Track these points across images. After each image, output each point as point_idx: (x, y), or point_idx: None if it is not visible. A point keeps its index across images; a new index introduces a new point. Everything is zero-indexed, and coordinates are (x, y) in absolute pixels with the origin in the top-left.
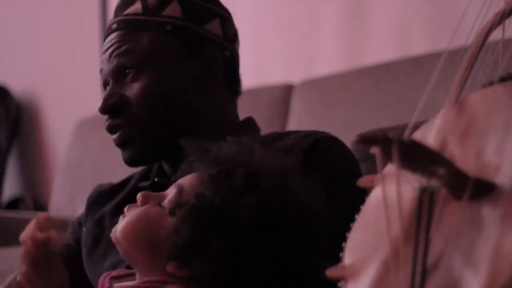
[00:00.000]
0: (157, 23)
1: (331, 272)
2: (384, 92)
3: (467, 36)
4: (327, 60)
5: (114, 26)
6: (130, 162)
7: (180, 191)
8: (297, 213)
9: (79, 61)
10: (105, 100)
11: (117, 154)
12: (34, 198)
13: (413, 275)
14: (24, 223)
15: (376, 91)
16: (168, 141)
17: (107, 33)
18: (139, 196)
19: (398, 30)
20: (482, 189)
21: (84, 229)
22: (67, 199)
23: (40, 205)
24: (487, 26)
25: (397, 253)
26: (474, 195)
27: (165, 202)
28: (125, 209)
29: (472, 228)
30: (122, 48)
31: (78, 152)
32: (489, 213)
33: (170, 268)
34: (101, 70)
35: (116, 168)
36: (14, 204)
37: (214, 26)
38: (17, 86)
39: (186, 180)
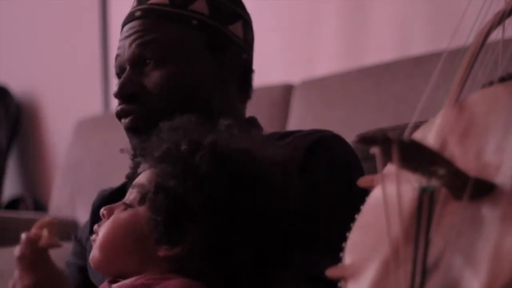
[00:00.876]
0: (183, 17)
1: (331, 272)
2: (384, 92)
3: (467, 36)
4: (327, 60)
5: (138, 13)
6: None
7: (141, 184)
8: (263, 189)
9: (79, 61)
10: (123, 86)
11: (117, 154)
12: (34, 198)
13: (413, 275)
14: (24, 223)
15: (376, 91)
16: None
17: (128, 19)
18: (102, 211)
19: (398, 30)
20: (482, 189)
21: (90, 237)
22: (67, 199)
23: (40, 205)
24: (487, 26)
25: (397, 253)
26: (474, 195)
27: (130, 200)
28: (95, 228)
29: (472, 228)
30: (145, 38)
31: (78, 152)
32: (489, 213)
33: (162, 252)
34: (117, 56)
35: (116, 168)
36: (14, 204)
37: (237, 28)
38: (17, 86)
39: (141, 177)
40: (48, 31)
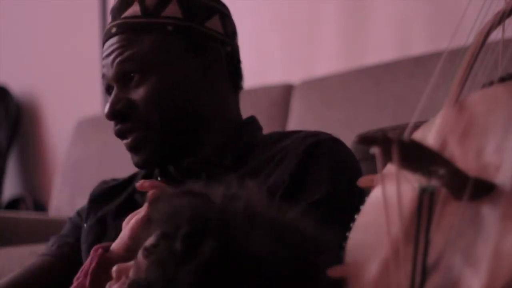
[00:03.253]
0: (157, 25)
1: (333, 272)
2: (384, 92)
3: (467, 36)
4: (327, 60)
5: (114, 30)
6: (143, 165)
7: (136, 267)
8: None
9: (79, 61)
10: (112, 106)
11: (117, 154)
12: (34, 198)
13: (413, 275)
14: (24, 223)
15: (376, 91)
16: (178, 142)
17: (106, 37)
18: (113, 271)
19: (398, 30)
20: (482, 189)
21: (85, 224)
22: (67, 199)
23: (40, 205)
24: (487, 26)
25: (397, 253)
26: (474, 195)
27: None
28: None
29: (472, 228)
30: (125, 54)
31: (78, 152)
32: (489, 213)
33: None
34: (103, 75)
35: (116, 168)
36: (14, 204)
37: (214, 23)
38: (17, 86)
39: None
40: (48, 31)
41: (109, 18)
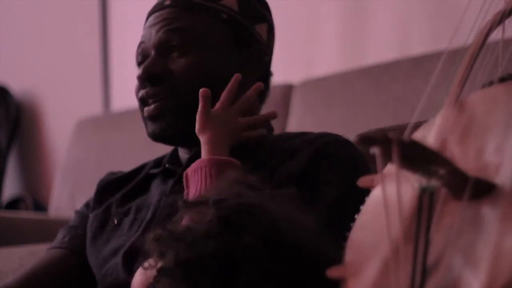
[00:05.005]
0: (213, 9)
1: (332, 272)
2: (384, 92)
3: (467, 36)
4: (327, 60)
5: (168, 2)
6: (159, 134)
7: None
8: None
9: (79, 61)
10: (148, 67)
11: (117, 154)
12: (34, 198)
13: (413, 275)
14: (24, 223)
15: (376, 91)
16: (194, 121)
17: (157, 8)
18: None
19: (398, 30)
20: (482, 189)
21: (90, 214)
22: (67, 199)
23: (40, 205)
24: (487, 26)
25: (397, 253)
26: (474, 195)
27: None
28: None
29: (472, 228)
30: (174, 25)
31: (78, 152)
32: (489, 213)
33: None
34: (141, 43)
35: (115, 168)
36: (14, 204)
37: (262, 29)
38: (17, 86)
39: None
40: (48, 31)
41: (109, 18)
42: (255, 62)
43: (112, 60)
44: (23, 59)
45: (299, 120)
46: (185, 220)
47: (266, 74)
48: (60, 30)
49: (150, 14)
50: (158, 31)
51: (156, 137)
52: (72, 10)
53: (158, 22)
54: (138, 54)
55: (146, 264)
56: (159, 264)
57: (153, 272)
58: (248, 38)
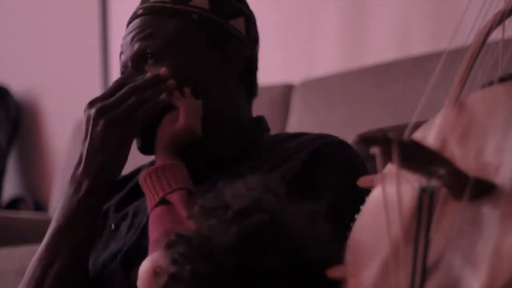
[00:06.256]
0: (183, 12)
1: (332, 272)
2: (384, 92)
3: (467, 36)
4: (327, 60)
5: (140, 11)
6: (143, 149)
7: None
8: None
9: (79, 61)
10: (123, 79)
11: None
12: (34, 198)
13: (413, 275)
14: (24, 223)
15: (376, 91)
16: None
17: (132, 18)
18: None
19: (398, 30)
20: (482, 189)
21: None
22: None
23: (40, 205)
24: (487, 26)
25: (397, 253)
26: (474, 195)
27: None
28: None
29: (472, 228)
30: (145, 32)
31: (78, 152)
32: (489, 213)
33: None
34: (121, 54)
35: None
36: (14, 204)
37: (238, 23)
38: (17, 86)
39: None
40: (48, 31)
41: (109, 18)
42: (233, 59)
43: (112, 60)
44: (23, 59)
45: (299, 120)
46: (198, 223)
47: (249, 70)
48: (60, 30)
49: (127, 24)
50: (132, 40)
51: (143, 151)
52: (72, 10)
53: (132, 31)
54: (120, 65)
55: (157, 268)
56: (171, 270)
57: (164, 276)
58: (223, 35)
